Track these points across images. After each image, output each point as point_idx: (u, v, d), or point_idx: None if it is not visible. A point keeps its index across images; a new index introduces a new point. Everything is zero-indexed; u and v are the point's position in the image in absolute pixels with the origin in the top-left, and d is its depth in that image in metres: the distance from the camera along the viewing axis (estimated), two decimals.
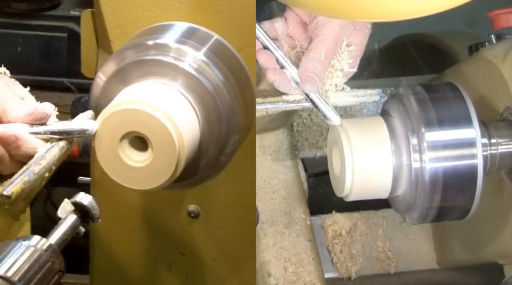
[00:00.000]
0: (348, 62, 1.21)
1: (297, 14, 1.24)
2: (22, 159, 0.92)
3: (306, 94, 1.20)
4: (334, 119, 1.21)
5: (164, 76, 0.95)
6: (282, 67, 1.20)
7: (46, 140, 0.93)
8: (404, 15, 0.94)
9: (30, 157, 0.92)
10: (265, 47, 1.19)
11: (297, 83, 1.20)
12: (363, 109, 1.54)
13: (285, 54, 1.21)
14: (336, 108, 1.24)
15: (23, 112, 0.93)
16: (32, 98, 0.98)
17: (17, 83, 0.99)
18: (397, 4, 0.92)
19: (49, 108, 0.94)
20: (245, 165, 1.12)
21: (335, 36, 1.19)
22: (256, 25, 1.17)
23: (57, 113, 0.98)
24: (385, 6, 0.92)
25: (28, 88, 1.00)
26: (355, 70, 1.23)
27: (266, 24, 1.23)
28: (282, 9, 1.29)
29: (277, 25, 1.24)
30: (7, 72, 1.01)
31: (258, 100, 1.21)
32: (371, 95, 1.28)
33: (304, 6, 1.11)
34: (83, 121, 0.93)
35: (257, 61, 1.17)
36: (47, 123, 0.94)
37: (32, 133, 0.92)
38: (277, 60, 1.20)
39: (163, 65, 0.95)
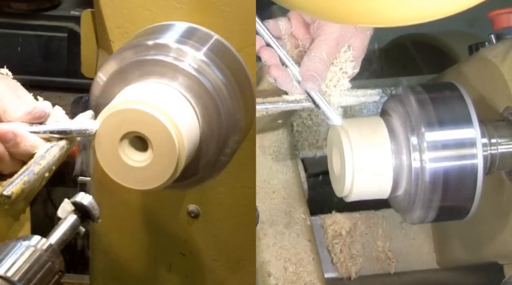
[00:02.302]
0: (350, 65, 1.22)
1: (300, 14, 1.25)
2: (22, 158, 0.92)
3: (308, 93, 1.21)
4: (335, 118, 1.21)
5: (164, 76, 0.95)
6: (284, 65, 1.20)
7: (46, 140, 0.93)
8: (398, 21, 0.94)
9: (29, 155, 0.92)
10: (268, 44, 1.20)
11: (298, 82, 1.20)
12: (363, 109, 1.54)
13: (287, 52, 1.21)
14: (336, 108, 1.24)
15: (22, 111, 0.93)
16: (33, 100, 0.98)
17: (19, 84, 0.99)
18: (391, 11, 0.92)
19: (48, 107, 0.94)
20: (245, 165, 1.12)
21: (336, 37, 1.20)
22: (260, 23, 1.18)
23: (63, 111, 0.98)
24: (380, 13, 0.93)
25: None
26: (357, 70, 1.24)
27: (270, 22, 1.24)
28: (283, 11, 1.29)
29: (281, 23, 1.25)
30: (9, 73, 1.01)
31: (258, 100, 1.21)
32: (371, 95, 1.28)
33: (302, 10, 1.12)
34: (83, 121, 0.93)
35: (258, 59, 1.17)
36: (47, 122, 0.94)
37: (31, 132, 0.92)
38: (280, 58, 1.20)
39: (163, 65, 0.95)
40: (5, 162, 0.92)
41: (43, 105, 0.94)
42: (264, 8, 1.59)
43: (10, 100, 0.93)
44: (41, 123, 0.94)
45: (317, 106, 1.21)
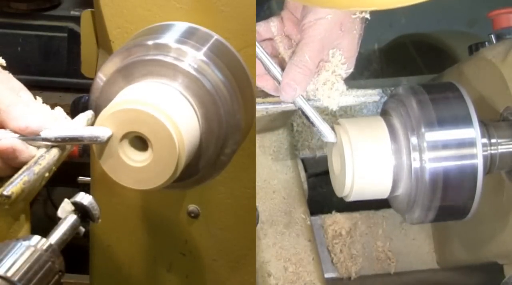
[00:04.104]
0: (343, 67, 1.21)
1: (293, 13, 1.24)
2: (18, 166, 0.91)
3: (301, 110, 1.19)
4: (329, 136, 1.21)
5: (164, 76, 0.95)
6: (269, 72, 1.18)
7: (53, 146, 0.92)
8: (393, 3, 0.92)
9: (26, 163, 0.91)
10: None
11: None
12: (363, 109, 1.54)
13: (278, 55, 1.20)
14: (335, 108, 1.23)
15: (16, 121, 0.91)
16: (26, 90, 0.97)
17: (11, 76, 0.98)
18: None
19: (42, 125, 0.92)
20: (245, 165, 1.12)
21: (320, 39, 1.17)
22: None
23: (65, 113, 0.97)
24: None
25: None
26: (351, 70, 1.23)
27: (262, 24, 1.23)
28: (281, 8, 1.29)
29: (273, 24, 1.24)
30: (2, 61, 1.00)
31: (258, 100, 1.21)
32: (371, 95, 1.28)
33: None
34: (95, 128, 0.91)
35: None
36: (53, 127, 0.93)
37: (43, 139, 0.91)
38: (264, 65, 1.18)
39: (163, 65, 0.95)
40: (2, 171, 0.92)
41: (38, 123, 0.92)
42: (261, 4, 1.59)
43: (5, 98, 0.92)
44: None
45: (311, 123, 1.20)
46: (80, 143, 0.92)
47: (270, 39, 1.23)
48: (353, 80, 1.25)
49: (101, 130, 0.90)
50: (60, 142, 0.92)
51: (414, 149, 1.17)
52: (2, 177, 0.92)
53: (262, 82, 1.20)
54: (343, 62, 1.20)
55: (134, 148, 0.91)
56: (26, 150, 0.91)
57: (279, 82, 1.18)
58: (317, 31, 1.17)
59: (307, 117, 1.20)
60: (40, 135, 0.92)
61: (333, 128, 1.22)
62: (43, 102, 0.98)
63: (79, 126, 0.94)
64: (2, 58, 1.01)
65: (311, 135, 1.58)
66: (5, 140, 0.90)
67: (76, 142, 0.92)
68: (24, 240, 0.82)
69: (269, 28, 1.23)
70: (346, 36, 1.19)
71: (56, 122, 0.94)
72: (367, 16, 1.18)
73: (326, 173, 1.32)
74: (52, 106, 0.98)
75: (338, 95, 1.23)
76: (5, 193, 0.86)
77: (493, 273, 1.36)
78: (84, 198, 0.88)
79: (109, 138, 0.89)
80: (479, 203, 1.18)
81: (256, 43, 1.17)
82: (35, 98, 0.97)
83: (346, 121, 1.22)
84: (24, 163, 0.91)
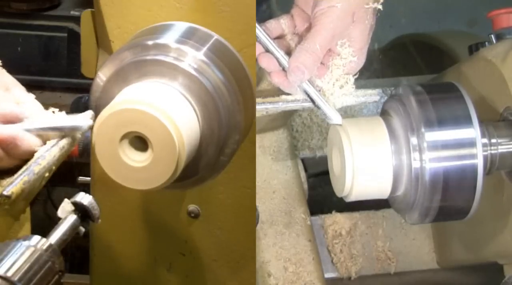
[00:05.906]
0: (351, 54, 1.20)
1: (303, 10, 1.24)
2: (20, 157, 0.92)
3: (307, 94, 1.20)
4: (335, 118, 1.21)
5: (164, 76, 0.95)
6: (273, 54, 1.18)
7: (45, 138, 0.93)
8: None
9: (27, 153, 0.92)
10: (267, 50, 1.19)
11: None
12: (363, 109, 1.54)
13: (290, 51, 1.20)
14: (335, 108, 1.23)
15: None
16: (19, 86, 0.98)
17: (4, 71, 0.99)
18: None
19: (24, 113, 0.94)
20: (245, 165, 1.12)
21: (332, 27, 1.17)
22: (258, 26, 1.17)
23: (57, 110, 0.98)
24: None
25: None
26: (361, 62, 1.22)
27: (272, 22, 1.23)
28: (281, 8, 1.29)
29: (283, 22, 1.24)
30: None
31: (258, 100, 1.21)
32: (371, 95, 1.28)
33: None
34: (75, 118, 0.93)
35: (257, 62, 1.16)
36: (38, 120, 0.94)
37: (24, 130, 0.92)
38: (277, 60, 1.19)
39: (163, 65, 0.95)
40: (4, 161, 0.92)
41: (21, 110, 0.94)
42: (261, 4, 1.59)
43: None
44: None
45: (316, 106, 1.20)
46: (62, 133, 0.93)
47: (281, 36, 1.23)
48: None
49: (82, 120, 0.91)
50: (41, 132, 0.93)
51: (414, 149, 1.17)
52: (4, 172, 0.92)
53: (280, 78, 1.19)
54: (353, 55, 1.20)
55: (134, 148, 0.91)
56: (26, 139, 0.91)
57: (280, 64, 1.18)
58: (330, 18, 1.17)
59: (312, 100, 1.20)
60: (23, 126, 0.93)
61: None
62: (43, 102, 0.98)
63: (60, 117, 0.95)
64: (2, 58, 1.01)
65: (311, 135, 1.58)
66: (5, 130, 0.91)
67: (58, 132, 0.93)
68: (24, 240, 0.82)
69: (279, 25, 1.23)
70: (357, 26, 1.19)
71: (42, 114, 0.95)
72: (380, 7, 1.18)
73: (326, 173, 1.32)
74: (52, 106, 0.98)
75: (340, 95, 1.23)
76: (5, 193, 0.86)
77: (493, 273, 1.36)
78: (84, 198, 0.88)
79: (89, 127, 0.90)
80: (479, 203, 1.18)
81: (270, 40, 1.17)
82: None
83: (346, 121, 1.22)
84: (26, 154, 0.91)
